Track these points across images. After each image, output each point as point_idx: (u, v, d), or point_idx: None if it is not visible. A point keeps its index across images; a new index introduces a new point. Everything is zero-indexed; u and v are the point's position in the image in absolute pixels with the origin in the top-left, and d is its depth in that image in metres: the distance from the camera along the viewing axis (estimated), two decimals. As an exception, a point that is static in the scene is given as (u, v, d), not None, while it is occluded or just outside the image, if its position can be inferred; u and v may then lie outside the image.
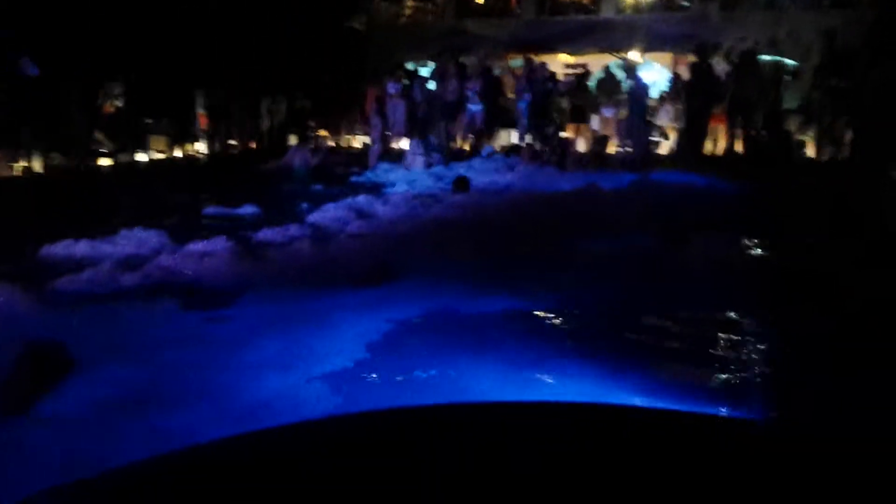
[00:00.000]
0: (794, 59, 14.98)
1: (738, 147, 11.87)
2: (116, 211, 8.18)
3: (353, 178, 11.02)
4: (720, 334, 4.99)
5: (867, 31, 11.21)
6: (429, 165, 11.75)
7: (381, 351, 4.78)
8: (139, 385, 4.26)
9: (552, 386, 4.21)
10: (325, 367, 4.49)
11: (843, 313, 5.06)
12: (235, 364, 4.54)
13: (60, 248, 6.84)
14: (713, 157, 11.90)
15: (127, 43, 13.20)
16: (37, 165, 11.37)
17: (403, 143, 12.94)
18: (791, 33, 15.23)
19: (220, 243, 6.62)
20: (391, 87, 13.34)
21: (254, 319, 5.23)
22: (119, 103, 13.23)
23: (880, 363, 4.26)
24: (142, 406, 4.01)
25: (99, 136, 12.71)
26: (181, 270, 6.11)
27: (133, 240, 6.92)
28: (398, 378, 4.45)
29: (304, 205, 8.62)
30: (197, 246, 6.65)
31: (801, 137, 11.46)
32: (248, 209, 8.54)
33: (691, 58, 12.83)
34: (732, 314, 5.28)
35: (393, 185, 10.33)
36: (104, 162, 12.41)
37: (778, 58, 14.56)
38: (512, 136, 13.40)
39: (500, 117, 13.68)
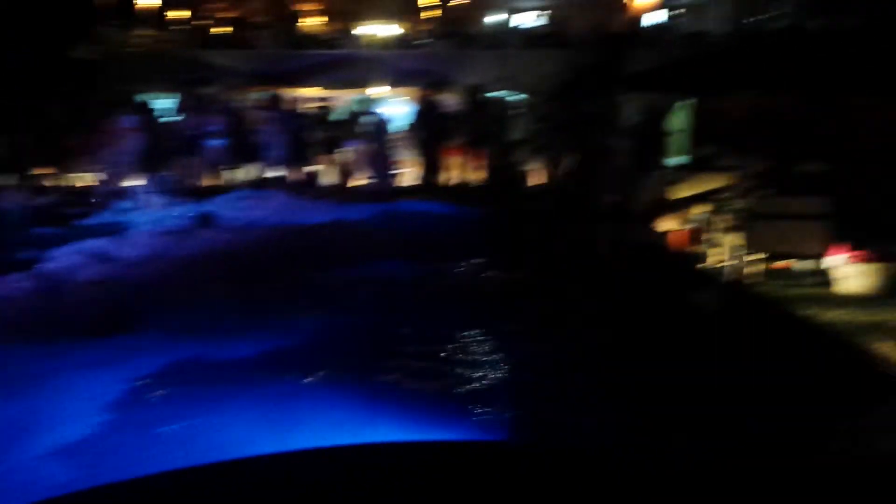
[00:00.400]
0: (521, 94, 16.39)
1: (476, 176, 12.72)
2: None
3: (86, 220, 10.15)
4: (467, 359, 5.27)
5: (581, 69, 12.60)
6: (168, 203, 11.19)
7: (124, 411, 4.46)
8: None
9: (312, 430, 4.17)
10: (58, 437, 4.11)
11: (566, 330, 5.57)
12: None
13: None
14: (453, 187, 12.62)
15: None
16: None
17: (140, 180, 12.17)
18: (518, 70, 16.70)
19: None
20: (126, 121, 12.53)
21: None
22: None
23: (612, 379, 4.72)
24: None
25: None
26: None
27: None
28: (144, 440, 4.18)
29: (29, 252, 7.74)
30: None
31: (531, 167, 12.53)
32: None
33: (426, 92, 13.59)
34: (475, 337, 5.58)
35: (132, 224, 9.67)
36: None
37: (507, 92, 15.84)
38: (259, 170, 13.17)
39: (245, 151, 13.39)
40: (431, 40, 19.07)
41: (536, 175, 12.57)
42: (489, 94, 13.51)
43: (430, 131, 12.63)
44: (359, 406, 4.46)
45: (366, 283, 7.11)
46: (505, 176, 11.76)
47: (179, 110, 13.62)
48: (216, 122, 13.10)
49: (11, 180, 11.98)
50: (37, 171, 12.75)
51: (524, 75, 16.19)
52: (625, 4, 20.44)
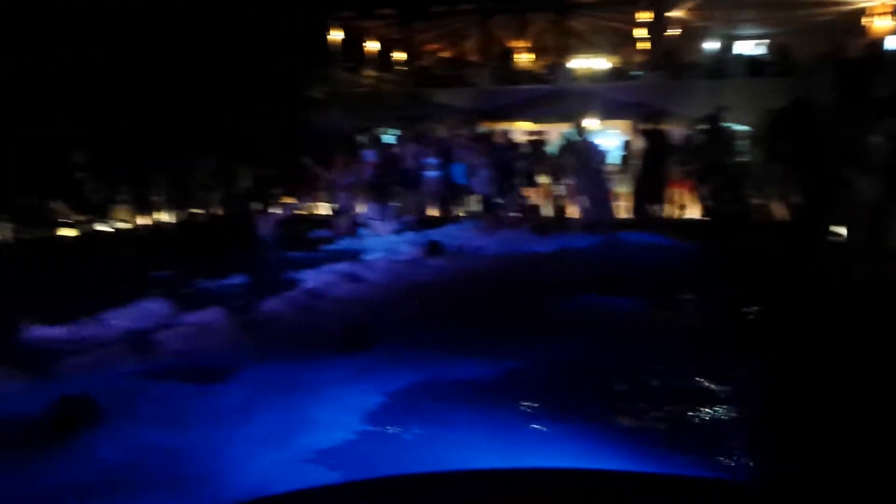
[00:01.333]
0: (741, 125, 15.64)
1: (699, 209, 12.28)
2: (98, 285, 8.05)
3: (326, 245, 11.02)
4: (696, 397, 5.09)
5: (817, 97, 11.77)
6: (397, 231, 11.88)
7: (375, 421, 4.79)
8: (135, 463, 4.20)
9: (541, 451, 4.26)
10: (321, 440, 4.48)
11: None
12: (234, 440, 4.49)
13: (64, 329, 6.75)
14: (674, 219, 12.28)
15: (89, 111, 13.18)
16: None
17: (368, 209, 13.03)
18: (738, 100, 15.96)
19: (217, 315, 6.71)
20: (369, 155, 13.52)
21: (251, 390, 5.20)
22: (81, 173, 13.13)
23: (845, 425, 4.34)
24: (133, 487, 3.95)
25: (59, 206, 12.54)
26: (187, 345, 6.11)
27: (131, 315, 6.91)
28: (394, 449, 4.45)
29: (287, 273, 8.55)
30: (198, 318, 6.71)
31: (756, 200, 11.89)
32: (234, 279, 8.50)
33: (645, 124, 13.32)
34: (705, 376, 5.35)
35: (367, 250, 10.36)
36: (67, 233, 12.21)
37: (729, 124, 15.19)
38: (477, 202, 13.61)
39: (462, 183, 13.92)
40: (644, 72, 18.80)
41: (764, 209, 11.90)
42: (722, 124, 12.93)
43: (653, 162, 12.37)
44: (580, 434, 4.46)
45: (595, 313, 7.10)
46: (730, 210, 11.26)
47: (401, 145, 14.46)
48: (435, 156, 13.75)
49: (259, 207, 13.30)
50: (280, 200, 14.02)
51: (745, 105, 15.45)
52: (862, 28, 18.98)
